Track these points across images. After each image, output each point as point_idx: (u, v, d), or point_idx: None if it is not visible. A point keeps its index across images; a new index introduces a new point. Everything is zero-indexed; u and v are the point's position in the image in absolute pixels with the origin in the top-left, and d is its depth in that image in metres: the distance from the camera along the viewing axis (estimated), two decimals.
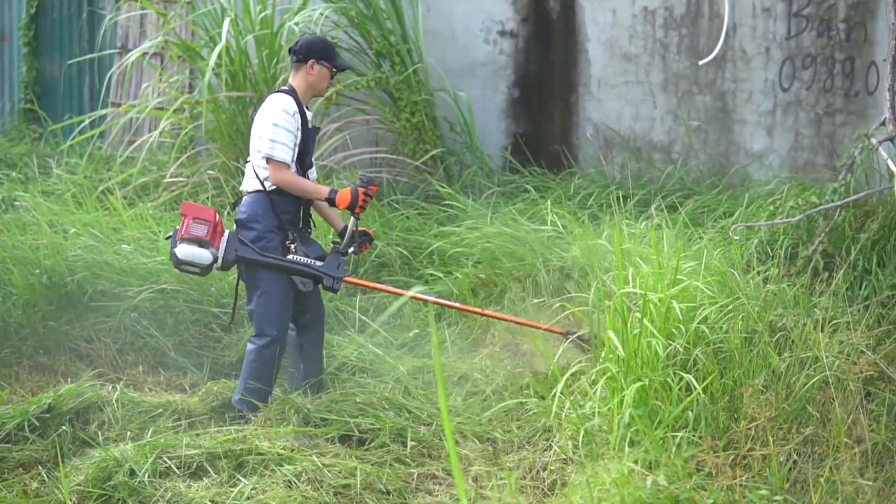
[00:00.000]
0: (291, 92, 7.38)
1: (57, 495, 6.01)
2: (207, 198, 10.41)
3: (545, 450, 6.44)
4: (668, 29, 10.96)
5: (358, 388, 7.39)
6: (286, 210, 7.33)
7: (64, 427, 6.81)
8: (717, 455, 5.47)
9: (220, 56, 10.97)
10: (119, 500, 5.94)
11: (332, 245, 7.55)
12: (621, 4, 11.22)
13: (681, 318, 6.24)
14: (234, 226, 7.32)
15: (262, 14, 11.36)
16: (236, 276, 7.52)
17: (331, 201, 7.37)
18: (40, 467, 6.40)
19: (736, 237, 8.06)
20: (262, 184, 7.24)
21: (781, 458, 5.67)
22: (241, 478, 6.09)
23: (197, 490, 5.98)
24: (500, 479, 6.16)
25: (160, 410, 7.13)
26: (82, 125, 12.79)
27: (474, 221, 9.61)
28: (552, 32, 11.70)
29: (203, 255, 7.05)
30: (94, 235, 9.20)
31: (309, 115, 7.49)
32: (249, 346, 7.25)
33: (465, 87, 11.94)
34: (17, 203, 10.67)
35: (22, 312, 8.30)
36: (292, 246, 7.31)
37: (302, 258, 7.29)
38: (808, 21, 10.20)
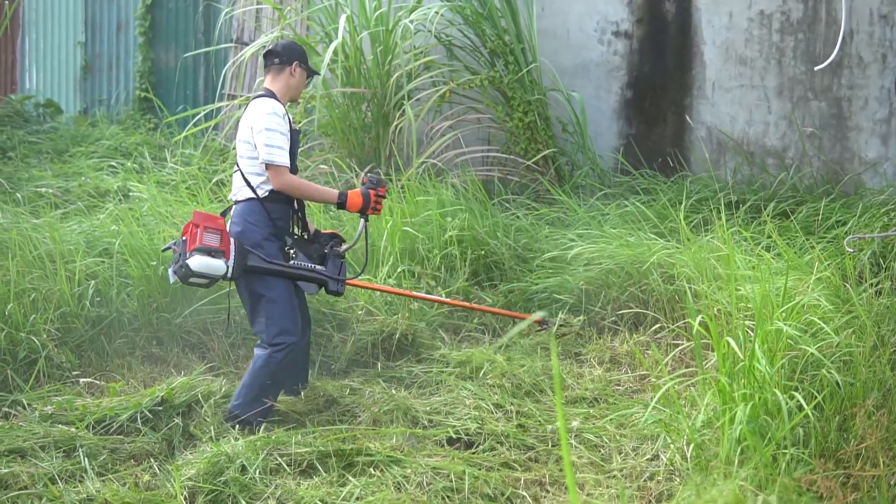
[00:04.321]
0: (272, 95, 7.32)
1: (168, 489, 6.07)
2: None
3: (651, 459, 6.42)
4: (785, 33, 10.86)
5: (466, 391, 7.44)
6: (280, 216, 7.23)
7: (176, 420, 6.92)
8: (828, 476, 5.43)
9: (335, 52, 11.07)
10: (230, 495, 5.97)
11: (329, 248, 7.48)
12: (738, 7, 11.13)
13: (792, 334, 6.19)
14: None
15: (378, 11, 11.45)
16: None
17: (341, 205, 7.33)
18: (152, 460, 6.49)
19: (850, 249, 7.97)
20: (255, 191, 7.11)
21: (891, 481, 5.62)
22: (350, 478, 6.14)
23: (307, 488, 6.02)
24: (608, 487, 6.16)
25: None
26: (197, 117, 12.96)
27: (586, 229, 9.61)
28: (667, 34, 11.64)
29: (217, 265, 6.80)
30: None
31: (289, 117, 7.35)
32: (259, 352, 7.07)
33: (577, 87, 11.93)
34: (132, 193, 10.84)
35: (137, 303, 8.40)
36: (291, 252, 7.21)
37: (305, 263, 7.23)
38: None
